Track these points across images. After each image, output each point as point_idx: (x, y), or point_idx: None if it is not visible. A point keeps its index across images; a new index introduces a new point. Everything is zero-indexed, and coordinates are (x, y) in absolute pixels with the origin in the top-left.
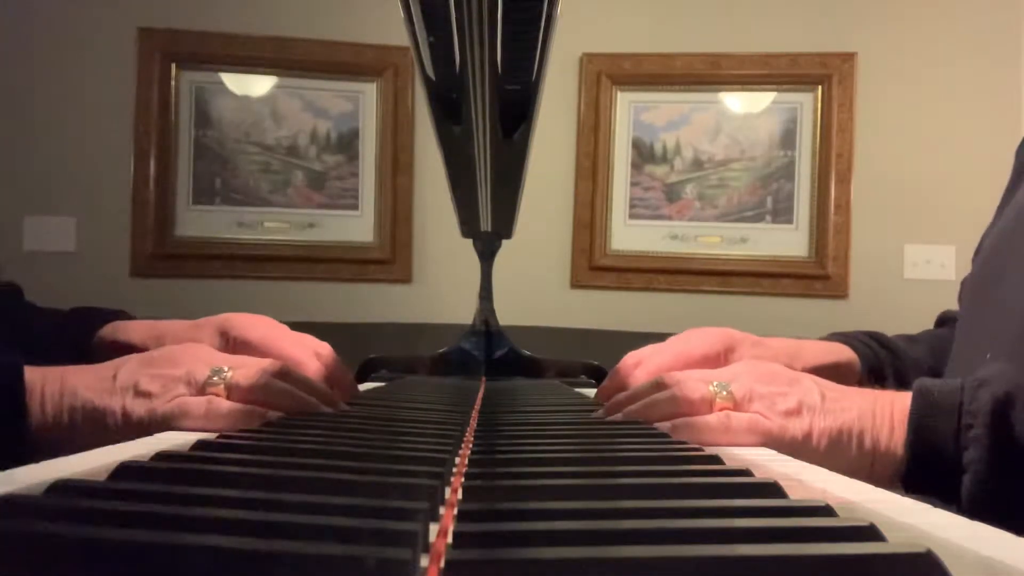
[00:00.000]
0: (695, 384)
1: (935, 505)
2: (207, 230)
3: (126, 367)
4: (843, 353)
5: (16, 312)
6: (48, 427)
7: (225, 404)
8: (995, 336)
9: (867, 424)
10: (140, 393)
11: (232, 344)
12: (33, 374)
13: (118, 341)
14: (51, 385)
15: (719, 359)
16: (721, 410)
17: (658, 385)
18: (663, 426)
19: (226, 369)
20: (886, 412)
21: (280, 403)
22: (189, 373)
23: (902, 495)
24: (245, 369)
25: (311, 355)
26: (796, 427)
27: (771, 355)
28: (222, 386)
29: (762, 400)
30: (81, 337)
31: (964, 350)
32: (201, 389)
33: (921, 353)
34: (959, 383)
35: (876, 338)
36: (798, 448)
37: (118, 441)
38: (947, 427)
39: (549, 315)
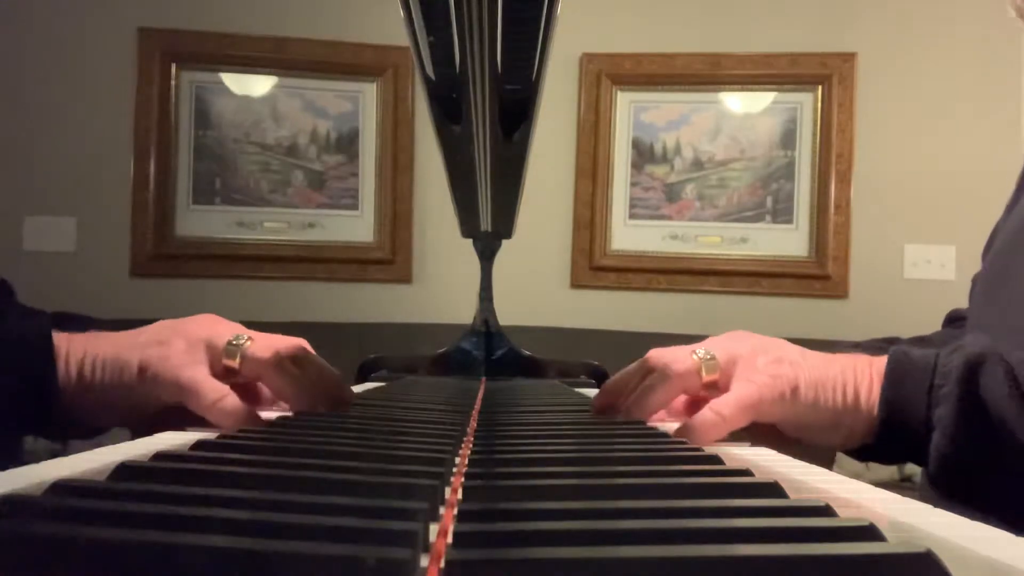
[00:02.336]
0: (681, 356)
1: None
2: (207, 230)
3: (155, 326)
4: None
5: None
6: (72, 384)
7: (232, 404)
8: (1006, 333)
9: (849, 378)
10: (162, 345)
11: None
12: (60, 337)
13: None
14: (76, 343)
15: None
16: (709, 381)
17: (644, 368)
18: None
19: (244, 338)
20: (865, 370)
21: (284, 387)
22: (211, 337)
23: (902, 494)
24: (262, 342)
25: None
26: (783, 380)
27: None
28: (237, 356)
29: (744, 360)
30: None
31: None
32: (219, 354)
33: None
34: (935, 350)
35: (890, 342)
36: (787, 400)
37: (138, 396)
38: (919, 386)
39: (549, 315)
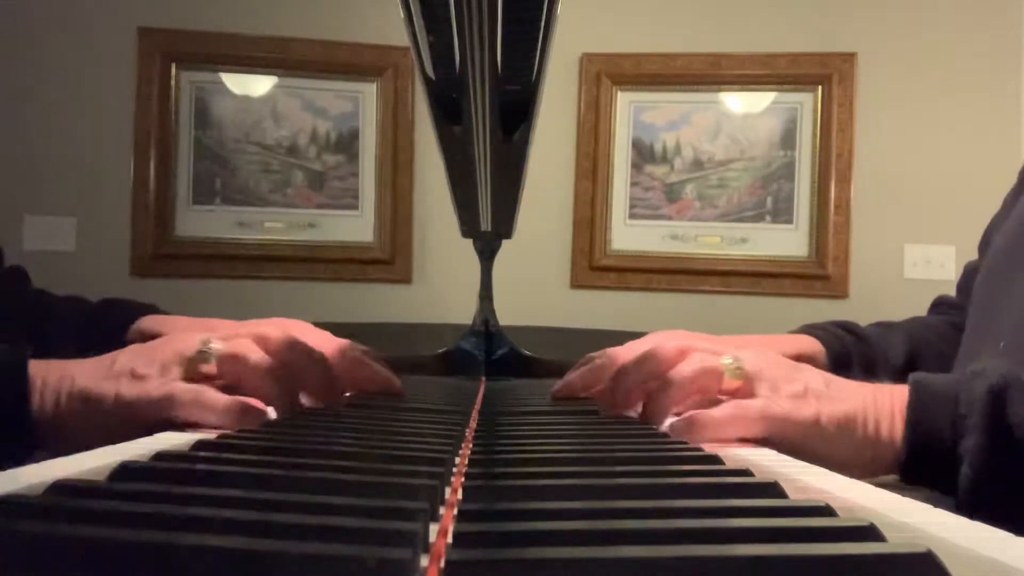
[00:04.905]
0: (703, 355)
1: (935, 503)
2: (207, 230)
3: (126, 353)
4: (807, 344)
5: (26, 295)
6: (48, 416)
7: (213, 395)
8: (1008, 325)
9: (870, 412)
10: (136, 376)
11: None
12: (36, 366)
13: (159, 334)
14: (53, 374)
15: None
16: (730, 387)
17: (651, 358)
18: (674, 425)
19: (212, 341)
20: (886, 402)
21: (255, 382)
22: (180, 352)
23: (901, 493)
24: (231, 341)
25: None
26: (806, 411)
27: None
28: (213, 361)
29: (769, 382)
30: (115, 328)
31: (976, 339)
32: (192, 365)
33: (896, 340)
34: (954, 376)
35: (844, 326)
36: (807, 432)
37: (117, 428)
38: (944, 417)
39: (549, 315)
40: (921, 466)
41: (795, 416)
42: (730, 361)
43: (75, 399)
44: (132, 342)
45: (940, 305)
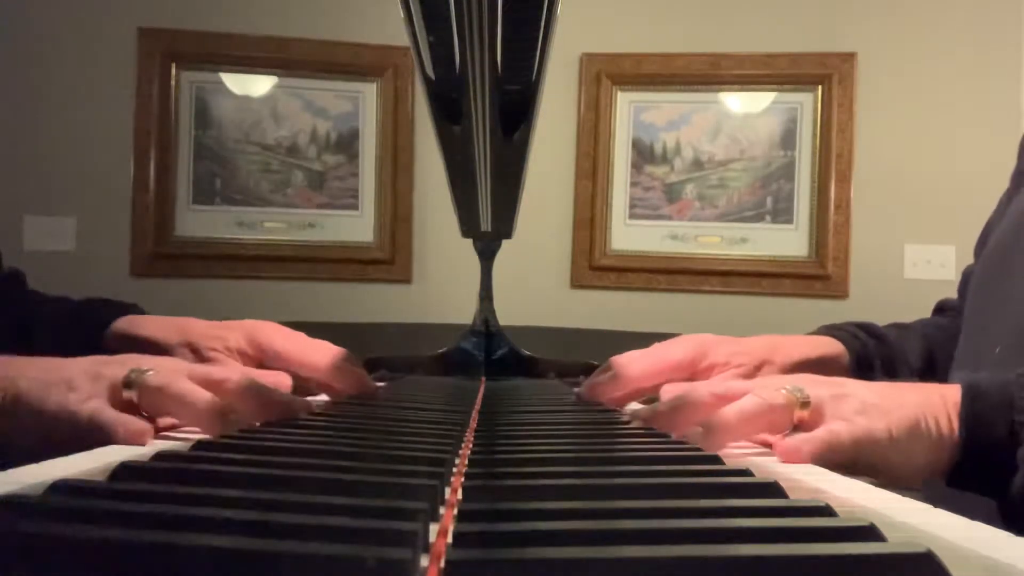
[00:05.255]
0: (771, 391)
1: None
2: (207, 230)
3: (79, 362)
4: (830, 346)
5: (20, 299)
6: None
7: (139, 423)
8: (1004, 329)
9: (929, 414)
10: (70, 388)
11: (257, 350)
12: None
13: (133, 335)
14: None
15: (692, 365)
16: (799, 419)
17: (723, 396)
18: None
19: (145, 369)
20: (938, 402)
21: (178, 411)
22: (114, 373)
23: (901, 493)
24: (160, 372)
25: (331, 362)
26: (877, 425)
27: (748, 352)
28: (135, 390)
29: (831, 404)
30: (92, 329)
31: (972, 343)
32: (117, 388)
33: (913, 341)
34: (1004, 379)
35: (865, 328)
36: (883, 447)
37: (47, 435)
38: (1000, 423)
39: (549, 315)
40: (976, 471)
41: (869, 434)
42: (792, 390)
43: (20, 401)
44: (109, 343)
45: (943, 309)
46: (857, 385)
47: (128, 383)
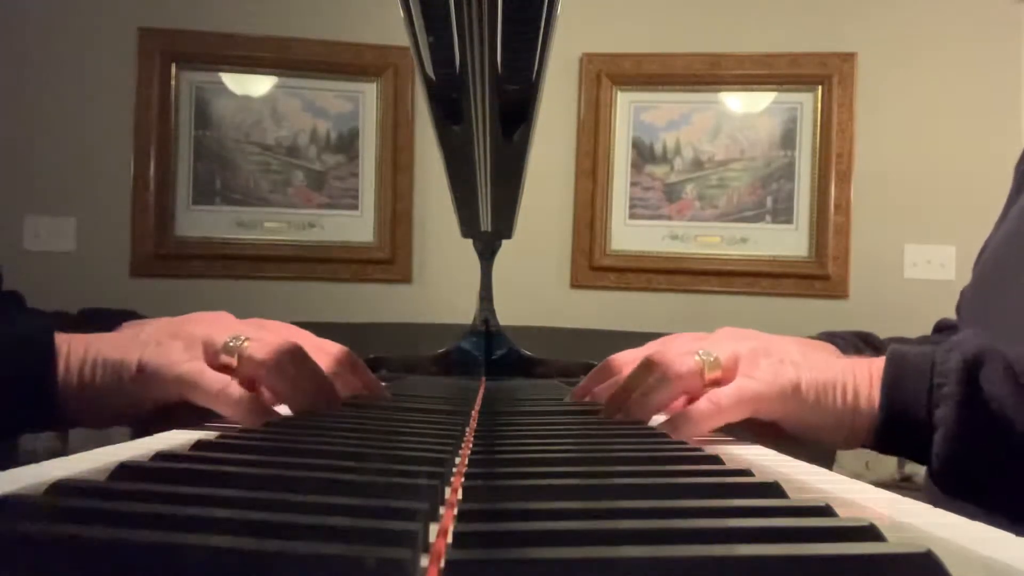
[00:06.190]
0: (682, 358)
1: (937, 505)
2: (207, 230)
3: (152, 324)
4: (825, 349)
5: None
6: (72, 385)
7: (237, 390)
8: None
9: (849, 381)
10: (160, 345)
11: None
12: (61, 337)
13: None
14: (76, 344)
15: None
16: (711, 380)
17: (646, 368)
18: (661, 427)
19: (243, 338)
20: (864, 372)
21: (282, 387)
22: (209, 336)
23: (901, 493)
24: (261, 343)
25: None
26: (785, 379)
27: None
28: (235, 355)
29: (746, 360)
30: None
31: None
32: (217, 354)
33: None
34: (931, 348)
35: (863, 337)
36: (788, 399)
37: (137, 395)
38: (919, 386)
39: (549, 315)
40: (896, 434)
41: (774, 387)
42: (704, 354)
43: (98, 366)
44: None
45: (941, 330)
46: (784, 341)
47: (228, 351)
